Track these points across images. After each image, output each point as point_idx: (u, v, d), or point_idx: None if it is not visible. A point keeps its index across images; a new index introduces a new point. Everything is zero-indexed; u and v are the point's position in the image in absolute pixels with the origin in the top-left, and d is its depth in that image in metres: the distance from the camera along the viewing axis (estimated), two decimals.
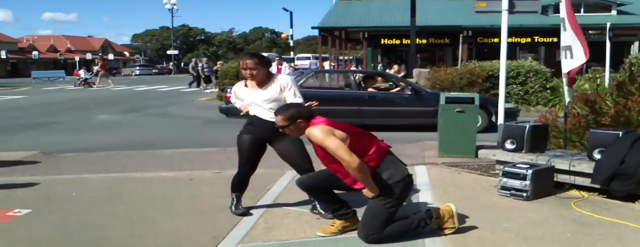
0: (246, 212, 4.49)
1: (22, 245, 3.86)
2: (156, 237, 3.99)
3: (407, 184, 3.85)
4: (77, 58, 60.61)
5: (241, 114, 4.47)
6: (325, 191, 4.02)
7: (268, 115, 4.25)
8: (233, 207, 4.51)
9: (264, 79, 4.35)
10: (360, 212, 4.01)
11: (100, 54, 65.99)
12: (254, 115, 4.36)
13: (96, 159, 7.37)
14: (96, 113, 14.81)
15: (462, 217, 4.34)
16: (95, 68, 31.10)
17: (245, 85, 4.43)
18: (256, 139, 4.39)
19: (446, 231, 3.95)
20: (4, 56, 53.23)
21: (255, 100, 4.36)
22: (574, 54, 5.74)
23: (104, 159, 7.40)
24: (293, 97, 4.34)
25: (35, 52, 59.13)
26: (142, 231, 4.14)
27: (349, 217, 4.04)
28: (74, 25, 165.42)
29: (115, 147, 8.63)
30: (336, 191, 4.05)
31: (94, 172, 6.50)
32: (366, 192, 3.72)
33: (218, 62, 24.91)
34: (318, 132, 3.60)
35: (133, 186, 5.72)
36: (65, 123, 12.58)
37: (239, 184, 4.56)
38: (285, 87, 4.35)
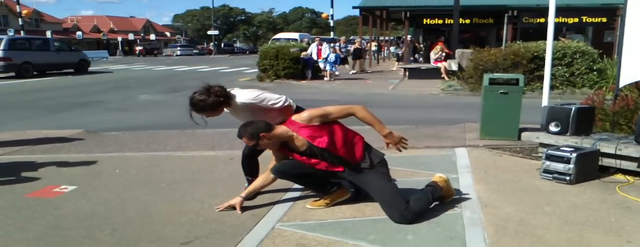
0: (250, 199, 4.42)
1: (68, 220, 3.97)
2: (197, 215, 4.06)
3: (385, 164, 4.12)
4: (119, 38, 61.70)
5: None
6: (306, 175, 4.09)
7: None
8: None
9: (221, 110, 4.21)
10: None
11: (141, 35, 66.97)
12: None
13: (139, 138, 7.51)
14: (138, 93, 15.08)
15: (503, 201, 4.30)
16: (138, 48, 31.67)
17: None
18: None
19: (446, 200, 4.17)
20: (49, 36, 54.47)
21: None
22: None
23: (146, 137, 7.54)
24: (267, 102, 4.16)
25: (79, 33, 60.32)
26: (183, 208, 4.22)
27: (337, 190, 4.21)
28: (115, 6, 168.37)
29: (156, 126, 8.78)
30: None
31: (137, 150, 6.64)
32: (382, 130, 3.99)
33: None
34: (306, 113, 3.91)
35: (175, 164, 5.82)
36: (108, 102, 12.86)
37: (244, 165, 4.58)
38: (250, 104, 4.14)
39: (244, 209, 4.15)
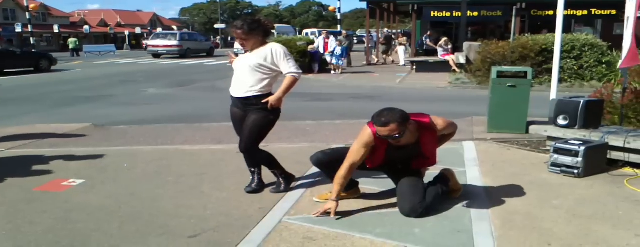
0: (253, 190, 4.46)
1: (77, 214, 3.99)
2: (205, 209, 4.07)
3: None
4: (126, 32, 61.71)
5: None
6: (336, 168, 4.00)
7: (237, 85, 4.26)
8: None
9: (257, 46, 4.22)
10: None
11: (148, 28, 67.04)
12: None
13: (146, 132, 7.53)
14: (145, 87, 15.11)
15: (510, 194, 4.29)
16: (145, 42, 32.09)
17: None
18: (238, 111, 4.36)
19: (454, 194, 4.21)
20: (56, 30, 54.59)
21: (239, 64, 4.28)
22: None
23: (154, 131, 7.56)
24: (287, 67, 4.20)
25: (86, 27, 60.42)
26: (191, 202, 4.23)
27: (351, 188, 4.21)
28: (122, 0, 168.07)
29: (164, 120, 8.80)
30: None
31: (144, 144, 6.66)
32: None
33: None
34: (444, 122, 3.88)
35: (182, 157, 5.83)
36: (116, 96, 12.89)
37: (246, 157, 4.53)
38: (275, 56, 4.16)
39: (251, 202, 4.16)
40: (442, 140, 4.12)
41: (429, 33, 23.02)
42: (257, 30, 4.20)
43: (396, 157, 3.94)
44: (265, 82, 4.21)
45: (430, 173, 4.31)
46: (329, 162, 4.02)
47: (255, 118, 4.22)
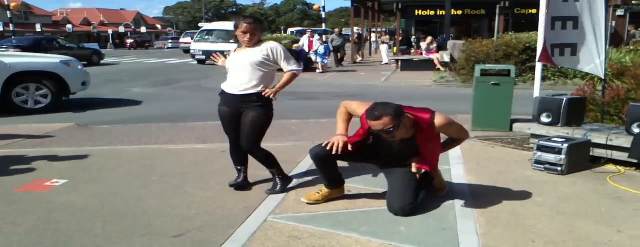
0: (237, 185, 4.47)
1: (59, 214, 3.95)
2: (189, 208, 4.05)
3: None
4: (110, 31, 61.32)
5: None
6: (334, 165, 4.04)
7: (235, 82, 4.22)
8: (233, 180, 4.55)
9: (256, 43, 4.23)
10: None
11: (132, 27, 66.61)
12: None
13: (130, 131, 7.48)
14: (130, 86, 15.00)
15: (494, 192, 4.31)
16: (129, 41, 31.68)
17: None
18: (230, 109, 4.33)
19: (439, 193, 4.22)
20: (39, 29, 53.99)
21: (236, 62, 4.24)
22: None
23: (138, 131, 7.51)
24: (287, 64, 4.22)
25: (69, 26, 59.88)
26: (175, 202, 4.21)
27: (339, 186, 4.16)
28: None
29: (148, 119, 8.74)
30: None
31: (128, 144, 6.61)
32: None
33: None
34: (446, 117, 3.82)
35: (166, 157, 5.79)
36: (100, 96, 12.77)
37: (232, 155, 4.54)
38: (275, 54, 4.18)
39: (236, 202, 4.15)
40: (448, 145, 4.15)
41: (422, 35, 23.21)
42: (263, 27, 4.33)
43: (391, 152, 3.92)
44: (266, 79, 4.22)
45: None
46: (327, 157, 3.92)
47: (255, 115, 4.20)
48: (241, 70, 4.20)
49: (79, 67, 10.72)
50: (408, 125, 3.68)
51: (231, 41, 22.08)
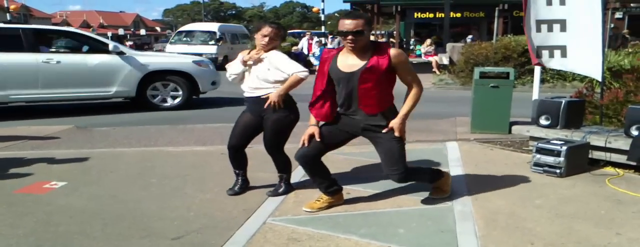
0: (235, 193, 4.44)
1: (58, 216, 3.95)
2: (188, 210, 4.05)
3: None
4: (109, 33, 61.20)
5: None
6: (322, 167, 4.01)
7: (255, 84, 4.24)
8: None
9: (270, 49, 4.23)
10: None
11: (131, 30, 66.61)
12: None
13: (129, 133, 7.48)
14: None
15: (493, 194, 4.31)
16: (128, 44, 31.50)
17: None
18: (253, 116, 4.32)
19: (437, 194, 4.19)
20: None
21: (254, 69, 4.26)
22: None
23: (137, 133, 7.51)
24: (288, 68, 4.19)
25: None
26: (174, 204, 4.21)
27: (337, 193, 4.10)
28: (103, 0, 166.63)
29: (147, 122, 8.74)
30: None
31: (127, 146, 6.61)
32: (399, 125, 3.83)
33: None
34: (404, 55, 3.88)
35: (165, 159, 5.79)
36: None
37: (231, 159, 4.50)
38: (277, 62, 4.17)
39: (235, 204, 4.15)
40: (406, 102, 4.01)
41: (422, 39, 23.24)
42: (284, 35, 4.39)
43: (340, 78, 3.81)
44: (281, 82, 4.20)
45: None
46: (314, 156, 3.92)
47: (276, 118, 4.20)
48: (259, 73, 4.22)
49: (210, 66, 10.97)
50: (368, 45, 3.69)
51: (210, 43, 22.11)
